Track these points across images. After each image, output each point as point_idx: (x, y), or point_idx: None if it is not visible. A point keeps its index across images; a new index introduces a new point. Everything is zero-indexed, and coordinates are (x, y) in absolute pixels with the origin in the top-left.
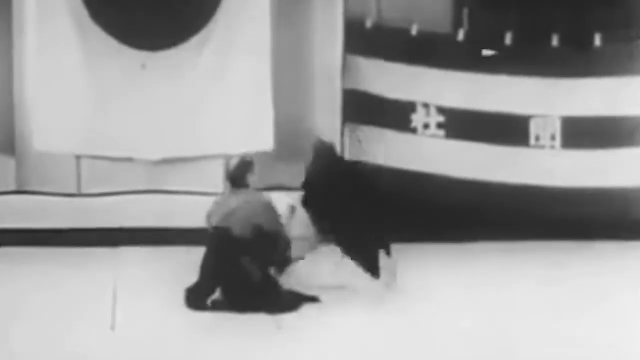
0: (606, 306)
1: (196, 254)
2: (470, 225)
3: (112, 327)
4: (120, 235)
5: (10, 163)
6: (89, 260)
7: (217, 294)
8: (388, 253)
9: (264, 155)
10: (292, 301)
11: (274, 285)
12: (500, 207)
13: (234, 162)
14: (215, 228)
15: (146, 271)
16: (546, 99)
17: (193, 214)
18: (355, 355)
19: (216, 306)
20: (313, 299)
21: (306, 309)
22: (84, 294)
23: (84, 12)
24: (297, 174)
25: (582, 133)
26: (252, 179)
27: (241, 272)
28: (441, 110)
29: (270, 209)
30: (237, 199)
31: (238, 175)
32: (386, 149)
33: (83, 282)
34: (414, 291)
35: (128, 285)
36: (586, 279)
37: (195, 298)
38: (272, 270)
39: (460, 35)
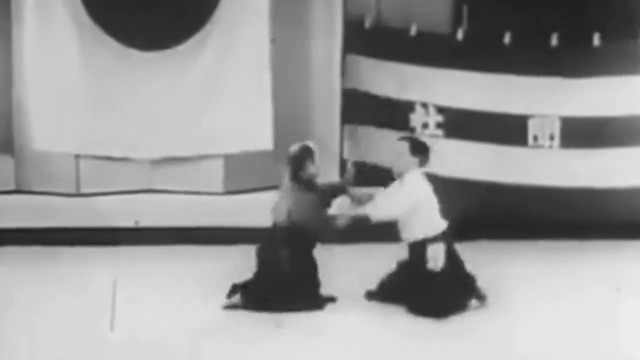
0: (605, 307)
1: (196, 253)
2: (468, 225)
3: (112, 328)
4: (119, 235)
5: (9, 163)
6: (88, 259)
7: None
8: None
9: (263, 155)
10: (320, 300)
11: (307, 283)
12: (499, 207)
13: (295, 148)
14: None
15: (145, 271)
16: (545, 98)
17: (192, 213)
18: (358, 355)
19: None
20: (331, 299)
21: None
22: (83, 293)
23: (82, 12)
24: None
25: (581, 133)
26: (312, 168)
27: (277, 262)
28: (440, 110)
29: (311, 206)
30: (292, 193)
31: (297, 163)
32: (385, 149)
33: (82, 282)
34: None
35: (127, 284)
36: (584, 279)
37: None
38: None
39: (459, 35)
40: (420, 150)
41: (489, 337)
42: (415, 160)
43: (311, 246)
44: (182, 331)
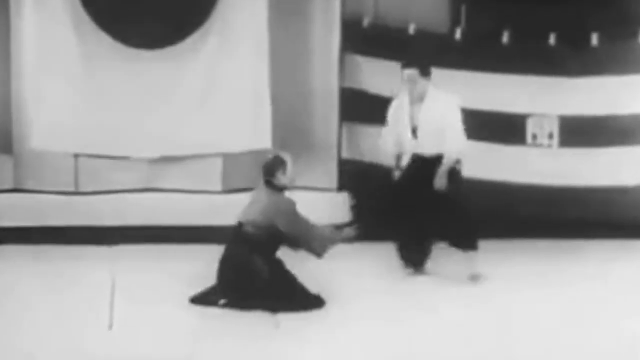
0: (604, 306)
1: (194, 252)
2: None
3: (110, 326)
4: (117, 234)
5: (7, 161)
6: (86, 258)
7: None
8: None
9: (261, 154)
10: (304, 301)
11: (285, 285)
12: (496, 206)
13: (268, 157)
14: (237, 224)
15: (144, 269)
16: (543, 98)
17: (190, 212)
18: (354, 356)
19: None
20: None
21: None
22: (81, 292)
23: (81, 11)
24: (295, 172)
25: (580, 132)
26: (283, 179)
27: (249, 270)
28: None
29: (289, 211)
30: (265, 196)
31: (267, 171)
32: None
33: (80, 281)
34: (412, 291)
35: (125, 283)
36: (582, 278)
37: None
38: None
39: (458, 34)
40: (429, 71)
41: (486, 336)
42: (428, 81)
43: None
44: (180, 330)
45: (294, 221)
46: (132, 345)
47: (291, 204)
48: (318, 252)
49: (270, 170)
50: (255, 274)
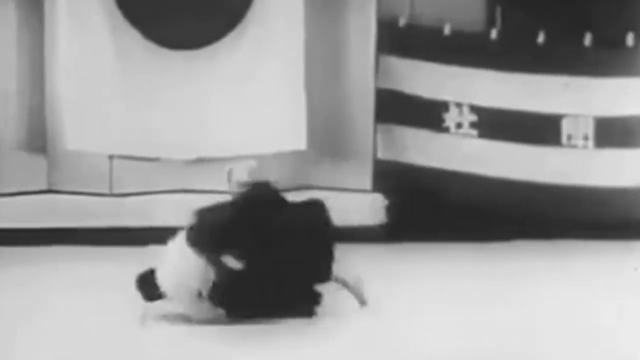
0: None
1: None
2: (502, 224)
3: (142, 324)
4: (151, 235)
5: (42, 162)
6: (119, 259)
7: None
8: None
9: (296, 155)
10: None
11: None
12: (533, 207)
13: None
14: None
15: None
16: (579, 98)
17: None
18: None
19: None
20: None
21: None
22: (114, 293)
23: (116, 11)
24: (330, 173)
25: (616, 133)
26: None
27: None
28: (474, 109)
29: None
30: None
31: None
32: (419, 149)
33: (114, 282)
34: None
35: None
36: (629, 280)
37: None
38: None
39: (493, 34)
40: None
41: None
42: None
43: None
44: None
45: None
46: (163, 343)
47: None
48: None
49: None
50: None
